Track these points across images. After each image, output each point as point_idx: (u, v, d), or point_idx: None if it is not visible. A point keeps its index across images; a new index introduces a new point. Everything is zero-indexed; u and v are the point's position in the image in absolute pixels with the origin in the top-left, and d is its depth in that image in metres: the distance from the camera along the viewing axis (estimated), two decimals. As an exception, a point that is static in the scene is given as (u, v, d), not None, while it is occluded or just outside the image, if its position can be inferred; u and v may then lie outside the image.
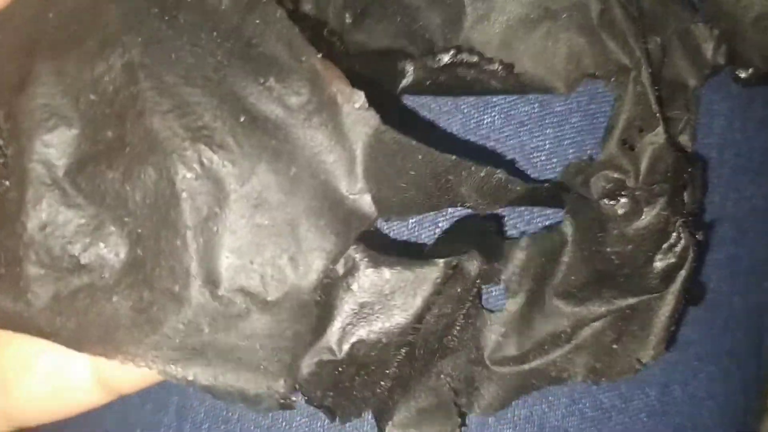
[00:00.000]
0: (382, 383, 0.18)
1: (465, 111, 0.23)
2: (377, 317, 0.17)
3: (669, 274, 0.20)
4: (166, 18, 0.16)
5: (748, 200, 0.26)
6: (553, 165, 0.23)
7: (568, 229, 0.21)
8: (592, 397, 0.23)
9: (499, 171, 0.18)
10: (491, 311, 0.21)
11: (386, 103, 0.16)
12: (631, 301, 0.20)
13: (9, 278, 0.16)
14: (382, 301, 0.17)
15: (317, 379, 0.17)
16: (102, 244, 0.15)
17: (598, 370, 0.20)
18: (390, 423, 0.19)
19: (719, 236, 0.25)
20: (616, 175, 0.21)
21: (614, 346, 0.20)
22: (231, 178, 0.15)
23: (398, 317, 0.17)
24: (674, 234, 0.20)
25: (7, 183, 0.16)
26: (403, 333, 0.17)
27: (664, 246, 0.20)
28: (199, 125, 0.15)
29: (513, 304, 0.21)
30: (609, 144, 0.21)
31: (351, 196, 0.16)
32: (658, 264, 0.20)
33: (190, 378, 0.16)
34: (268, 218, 0.16)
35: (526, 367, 0.20)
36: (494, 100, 0.23)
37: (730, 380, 0.25)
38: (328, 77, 0.16)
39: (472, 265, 0.19)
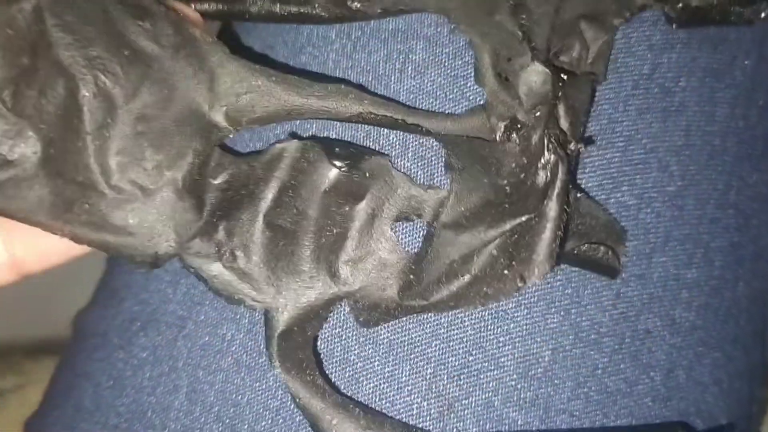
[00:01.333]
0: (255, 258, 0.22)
1: (470, 98, 0.23)
2: (242, 202, 0.22)
3: (545, 192, 0.21)
4: None
5: (751, 188, 0.26)
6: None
7: (450, 162, 0.22)
8: (598, 380, 0.23)
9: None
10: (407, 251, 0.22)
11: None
12: (514, 222, 0.21)
13: None
14: (245, 190, 0.22)
15: (199, 252, 0.22)
16: (23, 145, 0.20)
17: (489, 294, 0.21)
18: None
19: (723, 224, 0.25)
20: (507, 111, 0.22)
21: (506, 272, 0.21)
22: (119, 97, 0.21)
23: (259, 199, 0.22)
24: (545, 151, 0.21)
25: None
26: (269, 213, 0.22)
27: (539, 165, 0.21)
28: (93, 55, 0.20)
29: (424, 246, 0.22)
30: (486, 81, 0.22)
31: (210, 111, 0.22)
32: (537, 183, 0.21)
33: (93, 242, 0.21)
34: (147, 128, 0.21)
35: (430, 301, 0.22)
36: None
37: (734, 367, 0.26)
38: (186, 21, 0.21)
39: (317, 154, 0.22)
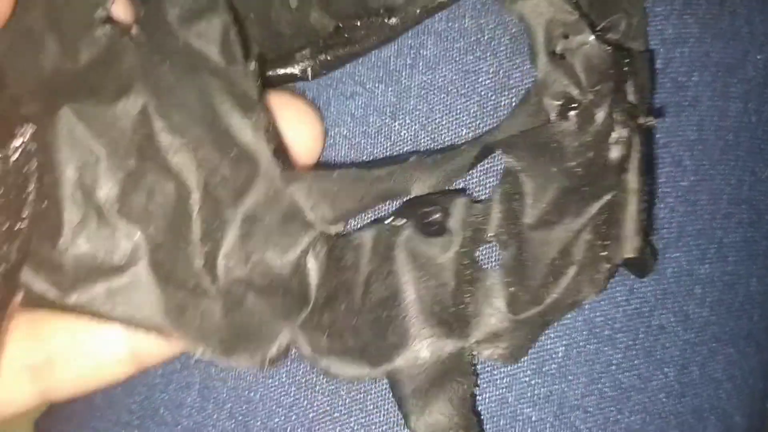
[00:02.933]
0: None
1: (482, 93, 0.23)
2: (339, 291, 0.21)
3: (622, 167, 0.21)
4: (169, 65, 0.20)
5: (764, 183, 0.26)
6: None
7: (513, 164, 0.22)
8: (611, 376, 0.23)
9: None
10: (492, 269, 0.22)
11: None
12: (599, 204, 0.20)
13: (53, 275, 0.19)
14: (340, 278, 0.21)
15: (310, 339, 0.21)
16: (131, 250, 0.19)
17: (597, 281, 0.21)
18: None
19: (736, 219, 0.25)
20: (561, 90, 0.21)
21: (603, 253, 0.21)
22: (228, 199, 0.20)
23: (354, 286, 0.21)
24: (617, 126, 0.21)
25: (44, 205, 0.19)
26: (365, 296, 0.21)
27: (611, 141, 0.21)
28: (202, 158, 0.20)
29: (508, 255, 0.21)
30: (540, 61, 0.22)
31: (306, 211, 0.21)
32: (612, 161, 0.21)
33: (209, 347, 0.20)
34: (254, 228, 0.20)
35: (546, 303, 0.21)
36: (510, 82, 0.23)
37: (748, 363, 0.25)
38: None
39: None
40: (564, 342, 0.23)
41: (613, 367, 0.23)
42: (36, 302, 0.19)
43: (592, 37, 0.21)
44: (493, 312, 0.21)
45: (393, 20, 0.23)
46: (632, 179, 0.20)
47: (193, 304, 0.19)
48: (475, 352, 0.21)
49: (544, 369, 0.23)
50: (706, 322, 0.24)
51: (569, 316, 0.23)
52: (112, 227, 0.19)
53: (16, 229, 0.18)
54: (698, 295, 0.24)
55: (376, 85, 0.24)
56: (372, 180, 0.21)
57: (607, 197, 0.20)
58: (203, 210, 0.20)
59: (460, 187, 0.23)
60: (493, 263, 0.22)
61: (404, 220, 0.21)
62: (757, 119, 0.25)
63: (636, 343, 0.23)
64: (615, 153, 0.21)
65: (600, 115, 0.21)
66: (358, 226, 0.23)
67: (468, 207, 0.22)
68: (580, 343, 0.23)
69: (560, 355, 0.23)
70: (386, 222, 0.22)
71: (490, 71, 0.23)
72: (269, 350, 0.20)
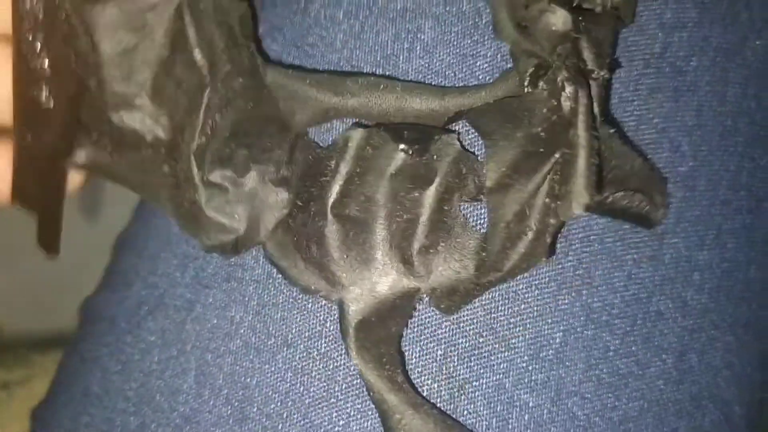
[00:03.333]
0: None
1: (480, 77, 0.23)
2: (313, 195, 0.22)
3: (570, 121, 0.20)
4: None
5: (763, 170, 0.25)
6: None
7: (479, 130, 0.22)
8: (609, 362, 0.23)
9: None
10: (478, 231, 0.22)
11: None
12: (549, 162, 0.20)
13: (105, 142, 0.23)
14: (316, 183, 0.22)
15: (281, 242, 0.23)
16: (159, 130, 0.22)
17: (546, 244, 0.21)
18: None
19: (735, 205, 0.25)
20: (530, 59, 0.22)
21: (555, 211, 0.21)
22: (228, 100, 0.23)
23: (326, 191, 0.22)
24: (567, 83, 0.21)
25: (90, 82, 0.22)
26: (336, 205, 0.22)
27: (563, 98, 0.21)
28: (216, 60, 0.22)
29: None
30: (507, 33, 0.22)
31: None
32: (562, 116, 0.21)
33: (188, 228, 0.23)
34: (240, 128, 0.23)
35: (504, 270, 0.21)
36: (508, 65, 0.23)
37: (747, 352, 0.25)
38: None
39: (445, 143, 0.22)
40: (561, 327, 0.23)
41: (611, 353, 0.23)
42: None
43: (549, 3, 0.21)
44: (460, 270, 0.22)
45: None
46: (579, 133, 0.20)
47: (185, 189, 0.22)
48: (425, 296, 0.22)
49: (541, 355, 0.22)
50: (704, 308, 0.24)
51: (566, 301, 0.23)
52: (145, 109, 0.22)
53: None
54: (697, 281, 0.24)
55: (374, 69, 0.24)
56: (341, 91, 0.22)
57: (557, 155, 0.20)
58: (211, 104, 0.22)
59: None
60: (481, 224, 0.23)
61: (393, 134, 0.22)
62: (756, 105, 0.25)
63: (634, 329, 0.23)
64: (565, 109, 0.21)
65: (560, 77, 0.21)
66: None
67: (459, 152, 0.22)
68: (578, 329, 0.23)
69: (557, 341, 0.23)
70: (378, 129, 0.22)
71: (488, 55, 0.23)
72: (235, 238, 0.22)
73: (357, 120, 0.23)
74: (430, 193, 0.22)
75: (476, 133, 0.23)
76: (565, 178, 0.20)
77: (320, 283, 0.22)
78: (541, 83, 0.21)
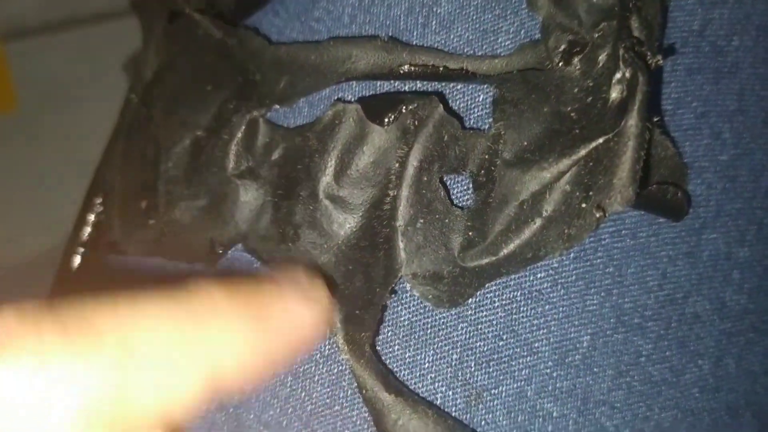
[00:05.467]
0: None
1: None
2: (299, 178, 0.21)
3: (623, 108, 0.18)
4: None
5: None
6: None
7: (502, 96, 0.20)
8: (641, 368, 0.21)
9: None
10: (460, 208, 0.20)
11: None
12: (589, 146, 0.18)
13: None
14: (301, 164, 0.21)
15: (265, 235, 0.22)
16: None
17: (571, 235, 0.19)
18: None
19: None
20: (564, 33, 0.20)
21: (583, 206, 0.19)
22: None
23: (317, 172, 0.21)
24: (621, 65, 0.19)
25: None
26: (329, 186, 0.21)
27: (614, 81, 0.19)
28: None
29: (479, 198, 0.20)
30: (540, 2, 0.20)
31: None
32: (612, 102, 0.19)
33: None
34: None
35: (500, 255, 0.19)
36: None
37: None
38: None
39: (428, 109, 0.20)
40: (589, 330, 0.21)
41: (643, 359, 0.21)
42: None
43: None
44: (443, 250, 0.20)
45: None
46: (632, 122, 0.18)
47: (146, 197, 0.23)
48: (408, 284, 0.20)
49: (567, 360, 0.21)
50: (743, 310, 0.23)
51: (595, 301, 0.21)
52: None
53: None
54: (736, 280, 0.22)
55: None
56: (334, 57, 0.21)
57: (600, 141, 0.18)
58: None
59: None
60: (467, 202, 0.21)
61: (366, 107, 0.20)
62: (761, 87, 0.23)
63: (668, 332, 0.22)
64: (616, 93, 0.19)
65: (603, 56, 0.19)
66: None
67: (441, 117, 0.20)
68: (607, 332, 0.21)
69: (585, 345, 0.21)
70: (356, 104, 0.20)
71: (511, 31, 0.21)
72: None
73: (338, 97, 0.22)
74: (409, 163, 0.20)
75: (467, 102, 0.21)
76: (606, 168, 0.18)
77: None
78: (575, 61, 0.19)
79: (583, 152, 0.18)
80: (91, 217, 0.27)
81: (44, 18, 0.70)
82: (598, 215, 0.18)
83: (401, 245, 0.20)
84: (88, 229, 0.27)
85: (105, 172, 0.28)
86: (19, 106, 0.69)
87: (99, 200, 0.27)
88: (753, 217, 0.22)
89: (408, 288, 0.20)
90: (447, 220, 0.20)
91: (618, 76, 0.18)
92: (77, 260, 0.27)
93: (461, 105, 0.21)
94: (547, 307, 0.21)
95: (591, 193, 0.18)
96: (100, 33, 0.69)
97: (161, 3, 0.27)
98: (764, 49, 0.23)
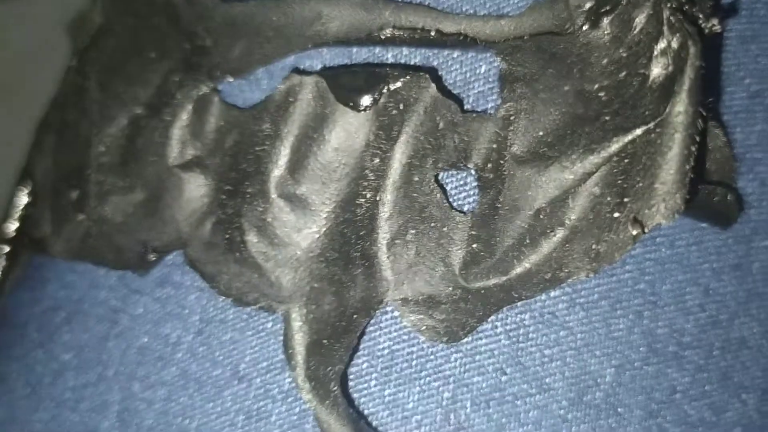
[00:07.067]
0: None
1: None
2: (249, 171, 0.18)
3: (668, 90, 0.15)
4: None
5: None
6: None
7: (512, 70, 0.16)
8: (676, 407, 0.18)
9: None
10: (461, 212, 0.17)
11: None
12: (623, 140, 0.15)
13: None
14: (252, 154, 0.18)
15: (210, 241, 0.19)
16: None
17: (601, 254, 0.15)
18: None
19: None
20: None
21: (616, 215, 0.15)
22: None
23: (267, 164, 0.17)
24: (666, 31, 0.15)
25: None
26: (282, 182, 0.17)
27: (656, 52, 0.15)
28: None
29: (485, 200, 0.17)
30: None
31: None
32: (653, 80, 0.15)
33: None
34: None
35: (511, 275, 0.16)
36: None
37: None
38: None
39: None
40: (614, 362, 0.18)
41: (678, 396, 0.18)
42: None
43: None
44: (440, 268, 0.17)
45: None
46: (681, 108, 0.14)
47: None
48: (395, 311, 0.17)
49: (586, 399, 0.18)
50: None
51: (622, 326, 0.18)
52: None
53: None
54: None
55: None
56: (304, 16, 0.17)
57: (638, 132, 0.15)
58: None
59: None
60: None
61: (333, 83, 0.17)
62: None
63: (709, 362, 0.19)
64: (658, 69, 0.15)
65: (641, 18, 0.15)
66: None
67: (434, 99, 0.16)
68: (636, 364, 0.18)
69: (608, 380, 0.18)
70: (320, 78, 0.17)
71: None
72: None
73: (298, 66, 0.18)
74: (395, 159, 0.16)
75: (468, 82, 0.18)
76: (645, 168, 0.15)
77: (260, 290, 0.17)
78: (604, 22, 0.15)
79: (615, 147, 0.15)
80: (18, 210, 0.23)
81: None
82: (635, 232, 0.14)
83: (387, 263, 0.16)
84: (13, 224, 0.23)
85: (36, 153, 0.24)
86: None
87: (27, 189, 0.24)
88: None
89: (389, 310, 0.17)
90: (445, 229, 0.16)
91: (662, 45, 0.15)
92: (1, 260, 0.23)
93: (458, 78, 0.18)
94: (562, 333, 0.18)
95: (626, 199, 0.15)
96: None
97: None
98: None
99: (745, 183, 0.19)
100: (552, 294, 0.17)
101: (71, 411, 0.20)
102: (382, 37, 0.17)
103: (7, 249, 0.24)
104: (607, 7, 0.16)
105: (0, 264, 0.24)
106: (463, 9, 0.18)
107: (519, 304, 0.17)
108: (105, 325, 0.20)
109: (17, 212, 0.24)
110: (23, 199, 0.24)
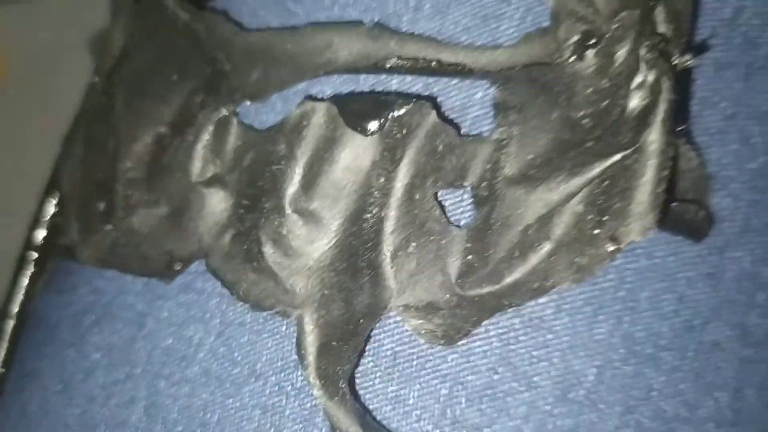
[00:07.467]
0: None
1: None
2: (265, 187, 0.19)
3: (644, 120, 0.16)
4: None
5: None
6: None
7: (504, 99, 0.18)
8: (652, 404, 0.19)
9: None
10: (458, 227, 0.18)
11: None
12: (604, 164, 0.16)
13: None
14: (269, 171, 0.19)
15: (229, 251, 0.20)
16: None
17: (582, 266, 0.17)
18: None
19: None
20: (577, 22, 0.17)
21: (596, 231, 0.17)
22: None
23: (283, 181, 0.19)
24: (642, 66, 0.17)
25: None
26: (296, 198, 0.18)
27: (633, 85, 0.17)
28: None
29: (480, 215, 0.18)
30: None
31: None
32: (631, 109, 0.17)
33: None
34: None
35: (503, 283, 0.17)
36: None
37: None
38: None
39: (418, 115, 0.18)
40: (596, 363, 0.19)
41: (655, 393, 0.19)
42: None
43: None
44: (439, 277, 0.18)
45: None
46: (654, 137, 0.16)
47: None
48: (398, 316, 0.18)
49: (570, 396, 0.19)
50: (766, 335, 0.21)
51: (603, 330, 0.19)
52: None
53: None
54: (761, 303, 0.21)
55: None
56: (314, 45, 0.19)
57: (616, 158, 0.16)
58: None
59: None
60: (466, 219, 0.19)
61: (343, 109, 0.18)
62: None
63: (684, 363, 0.20)
64: (636, 101, 0.17)
65: (621, 53, 0.17)
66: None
67: (435, 124, 0.18)
68: (616, 364, 0.19)
69: (591, 379, 0.19)
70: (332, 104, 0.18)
71: (515, 17, 0.19)
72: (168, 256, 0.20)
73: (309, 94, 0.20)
74: (398, 178, 0.18)
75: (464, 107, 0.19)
76: (623, 190, 0.16)
77: (275, 296, 0.18)
78: (589, 54, 0.17)
79: (596, 170, 0.16)
80: (46, 218, 0.25)
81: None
82: (611, 248, 0.16)
83: (391, 273, 0.18)
84: (42, 232, 0.25)
85: (63, 165, 0.26)
86: (8, 74, 0.67)
87: (55, 199, 0.25)
88: None
89: (392, 315, 0.18)
90: (443, 242, 0.18)
91: (639, 79, 0.16)
92: (28, 274, 0.25)
93: (456, 104, 0.19)
94: (549, 336, 0.19)
95: (605, 218, 0.16)
96: (89, -1, 0.70)
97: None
98: (802, 42, 0.20)
99: (719, 199, 0.20)
100: (539, 301, 0.18)
101: (101, 406, 0.21)
102: (388, 65, 0.18)
103: (35, 256, 0.26)
104: (592, 41, 0.17)
105: (29, 270, 0.26)
106: (462, 40, 0.19)
107: (510, 310, 0.18)
108: (132, 327, 0.21)
109: (45, 221, 0.26)
110: (51, 208, 0.26)
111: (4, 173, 0.65)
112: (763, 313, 0.20)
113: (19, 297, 0.25)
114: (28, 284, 0.25)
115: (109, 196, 0.22)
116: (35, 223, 0.26)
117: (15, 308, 0.25)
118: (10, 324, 0.25)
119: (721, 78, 0.20)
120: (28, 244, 0.25)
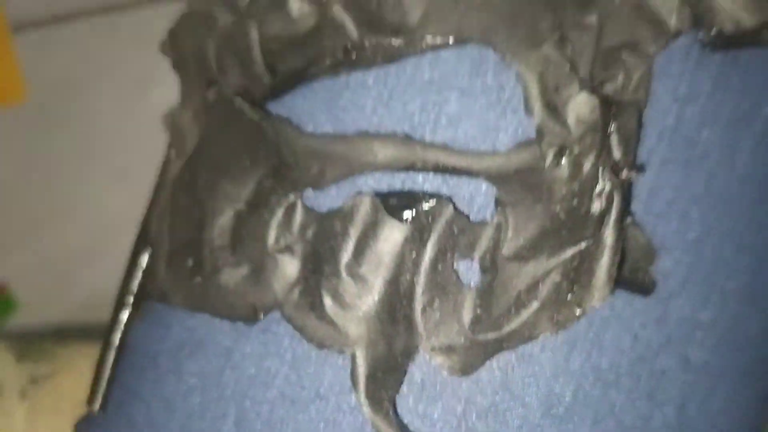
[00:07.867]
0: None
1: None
2: (325, 256, 0.24)
3: (601, 218, 0.22)
4: None
5: (766, 228, 0.26)
6: None
7: (502, 197, 0.24)
8: (615, 417, 0.24)
9: None
10: (470, 288, 0.24)
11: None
12: (572, 250, 0.22)
13: None
14: (328, 244, 0.24)
15: (297, 303, 0.25)
16: None
17: (560, 321, 0.23)
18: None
19: (738, 266, 0.26)
20: (556, 140, 0.23)
21: (569, 297, 0.23)
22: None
23: (339, 252, 0.24)
24: (600, 180, 0.22)
25: None
26: (350, 265, 0.24)
27: (595, 192, 0.22)
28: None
29: (485, 279, 0.24)
30: (536, 110, 0.24)
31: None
32: (593, 211, 0.23)
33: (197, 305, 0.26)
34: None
35: (503, 331, 0.23)
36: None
37: (744, 396, 0.27)
38: None
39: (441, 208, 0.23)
40: (572, 387, 0.24)
41: (617, 409, 0.24)
42: None
43: (578, 88, 0.23)
44: (456, 326, 0.23)
45: (398, 41, 0.24)
46: (609, 235, 0.22)
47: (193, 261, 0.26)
48: (426, 355, 0.24)
49: (552, 411, 0.24)
50: (705, 363, 0.25)
51: (577, 362, 0.24)
52: None
53: None
54: (699, 338, 0.25)
55: None
56: (366, 151, 0.24)
57: (582, 245, 0.22)
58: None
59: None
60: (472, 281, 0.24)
61: (386, 203, 0.24)
62: (764, 171, 0.26)
63: (638, 386, 0.24)
64: (597, 204, 0.22)
65: (587, 165, 0.23)
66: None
67: (452, 214, 0.24)
68: (587, 388, 0.24)
69: (568, 398, 0.24)
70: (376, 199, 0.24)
71: (510, 130, 0.24)
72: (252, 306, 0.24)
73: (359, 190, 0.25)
74: (426, 254, 0.23)
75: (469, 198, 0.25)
76: (587, 270, 0.22)
77: (334, 338, 0.24)
78: (564, 162, 0.23)
79: (568, 255, 0.22)
80: (140, 271, 0.29)
81: (54, 10, 0.68)
82: (578, 312, 0.22)
83: (421, 323, 0.23)
84: (136, 282, 0.29)
85: (151, 223, 0.31)
86: (30, 99, 0.67)
87: (146, 254, 0.30)
88: (715, 284, 0.25)
89: (422, 352, 0.24)
90: (459, 299, 0.23)
91: (599, 188, 0.22)
92: (126, 313, 0.29)
93: (465, 194, 0.25)
94: (536, 367, 0.24)
95: (575, 288, 0.22)
96: (110, 25, 0.67)
97: (199, 69, 0.29)
98: (732, 138, 0.25)
99: (664, 262, 0.24)
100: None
101: (199, 419, 0.25)
102: (416, 166, 0.24)
103: (132, 299, 0.30)
104: (566, 153, 0.23)
105: (126, 311, 0.30)
106: (470, 146, 0.24)
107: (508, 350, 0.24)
108: (221, 359, 0.25)
109: (139, 271, 0.31)
110: (144, 259, 0.31)
111: (22, 195, 0.66)
112: (701, 347, 0.25)
113: (119, 330, 0.30)
114: (126, 321, 0.30)
115: (197, 255, 0.27)
116: (130, 271, 0.30)
117: (116, 340, 0.30)
118: (112, 353, 0.30)
119: (665, 170, 0.24)
120: (125, 290, 0.30)
